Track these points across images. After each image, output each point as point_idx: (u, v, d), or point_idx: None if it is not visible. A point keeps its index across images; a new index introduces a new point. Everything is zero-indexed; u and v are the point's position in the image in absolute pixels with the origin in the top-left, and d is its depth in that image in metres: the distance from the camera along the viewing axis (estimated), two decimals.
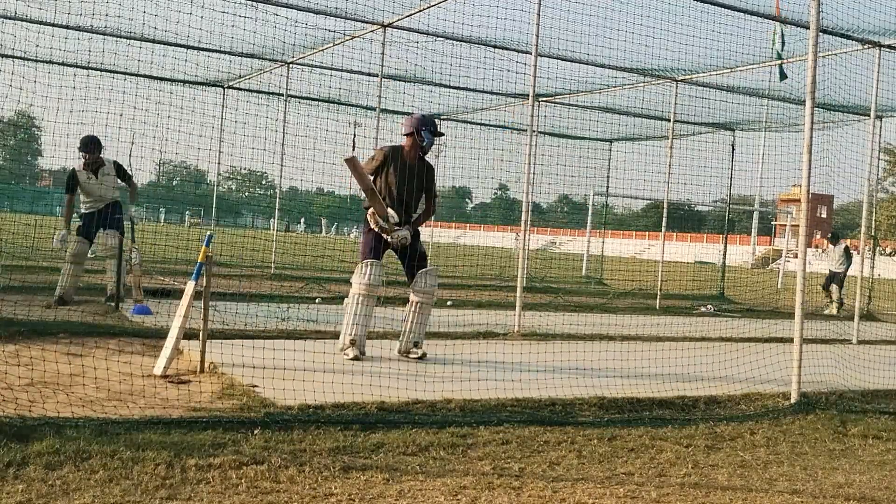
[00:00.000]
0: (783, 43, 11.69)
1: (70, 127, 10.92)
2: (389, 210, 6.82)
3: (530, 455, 4.44)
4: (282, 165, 15.54)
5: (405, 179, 6.88)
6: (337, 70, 14.75)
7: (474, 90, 15.85)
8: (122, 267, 9.28)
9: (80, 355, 6.08)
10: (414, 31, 11.88)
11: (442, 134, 7.22)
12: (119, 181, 9.85)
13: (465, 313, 10.53)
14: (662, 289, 15.12)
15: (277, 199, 17.61)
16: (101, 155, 9.62)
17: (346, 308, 6.87)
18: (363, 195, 6.88)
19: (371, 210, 6.83)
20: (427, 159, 7.14)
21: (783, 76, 12.17)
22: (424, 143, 6.95)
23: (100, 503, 3.29)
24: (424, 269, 6.97)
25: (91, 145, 9.54)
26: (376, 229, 6.86)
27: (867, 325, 12.66)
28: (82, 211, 9.74)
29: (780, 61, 11.94)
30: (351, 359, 6.63)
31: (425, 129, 6.93)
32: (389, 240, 6.86)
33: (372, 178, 6.89)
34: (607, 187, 21.69)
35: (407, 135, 6.99)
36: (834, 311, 16.53)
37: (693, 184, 17.07)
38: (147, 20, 11.34)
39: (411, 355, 6.94)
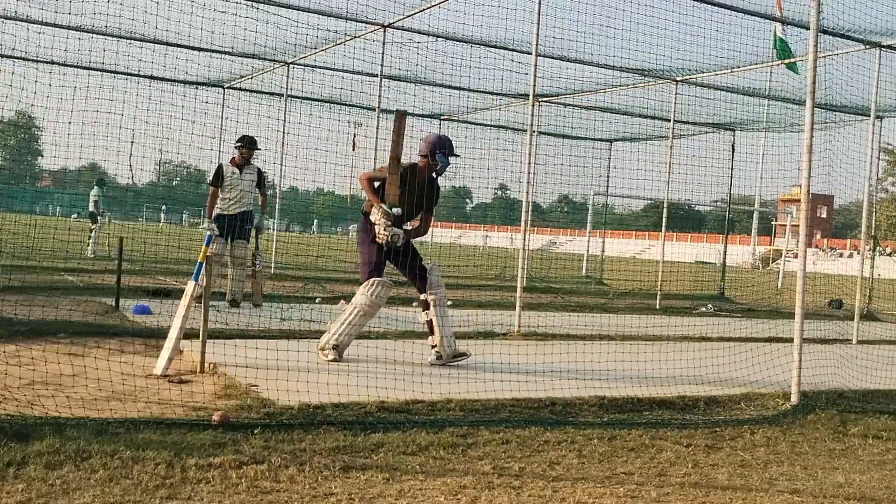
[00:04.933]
0: (787, 49, 11.72)
1: (70, 127, 10.92)
2: (395, 209, 6.75)
3: (530, 455, 4.44)
4: (282, 165, 15.55)
5: (413, 198, 6.86)
6: (337, 70, 14.76)
7: (474, 90, 15.85)
8: (244, 273, 9.91)
9: (80, 355, 6.07)
10: (414, 32, 11.88)
11: (457, 155, 7.09)
12: (256, 189, 10.18)
13: (465, 313, 10.53)
14: (662, 289, 15.12)
15: (277, 199, 17.62)
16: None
17: (342, 313, 6.80)
18: (367, 192, 6.81)
19: (375, 204, 6.69)
20: (439, 180, 7.10)
21: (793, 66, 12.14)
22: (438, 168, 6.91)
23: (100, 503, 3.29)
24: (430, 266, 6.96)
25: (250, 142, 9.96)
26: (375, 219, 6.69)
27: (867, 325, 12.65)
28: (217, 212, 9.94)
29: (787, 60, 11.95)
30: (329, 360, 6.58)
31: (441, 152, 6.87)
32: (380, 235, 6.66)
33: (377, 184, 6.86)
34: (607, 187, 21.70)
35: (422, 156, 6.96)
36: None
37: (693, 184, 17.07)
38: (147, 20, 11.35)
39: (458, 360, 6.84)
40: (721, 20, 10.12)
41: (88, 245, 18.84)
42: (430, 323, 6.86)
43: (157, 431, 4.19)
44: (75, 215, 38.16)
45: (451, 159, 7.02)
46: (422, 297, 6.90)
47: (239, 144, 9.98)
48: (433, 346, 6.88)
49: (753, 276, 28.77)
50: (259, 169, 10.23)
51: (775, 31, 11.71)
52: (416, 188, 6.88)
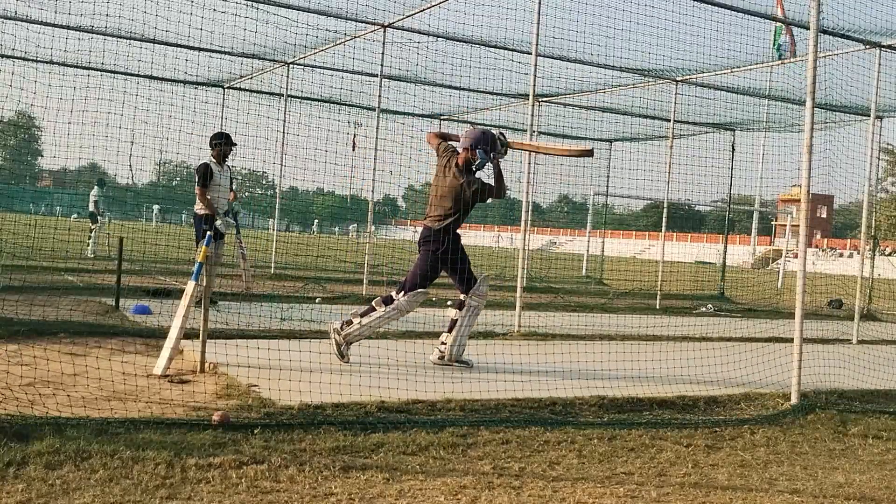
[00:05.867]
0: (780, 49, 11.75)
1: (70, 127, 10.91)
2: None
3: (530, 455, 4.44)
4: (282, 165, 15.55)
5: (438, 187, 6.87)
6: (337, 70, 14.75)
7: (474, 90, 15.85)
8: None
9: (80, 355, 6.08)
10: (414, 32, 11.87)
11: (499, 153, 6.94)
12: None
13: None
14: (662, 289, 15.12)
15: (278, 199, 17.62)
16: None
17: (377, 310, 6.67)
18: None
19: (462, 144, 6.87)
20: (479, 175, 6.99)
21: (779, 51, 12.15)
22: (475, 164, 6.83)
23: (100, 503, 3.29)
24: (482, 276, 6.97)
25: (229, 139, 9.88)
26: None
27: (867, 325, 12.65)
28: (206, 212, 9.59)
29: (785, 61, 11.98)
30: (338, 354, 6.54)
31: (482, 147, 6.80)
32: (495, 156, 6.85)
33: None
34: (607, 187, 21.70)
35: (463, 149, 6.90)
36: None
37: (693, 184, 17.07)
38: (147, 20, 11.35)
39: (460, 365, 6.82)
40: (721, 20, 10.11)
41: (88, 245, 18.85)
42: (453, 322, 6.86)
43: (157, 431, 4.19)
44: (76, 215, 38.15)
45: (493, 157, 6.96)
46: (462, 296, 6.89)
47: (220, 142, 9.80)
48: (442, 343, 6.88)
49: (753, 276, 28.78)
50: (229, 166, 10.12)
51: (776, 32, 11.74)
52: (445, 179, 6.89)
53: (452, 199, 6.80)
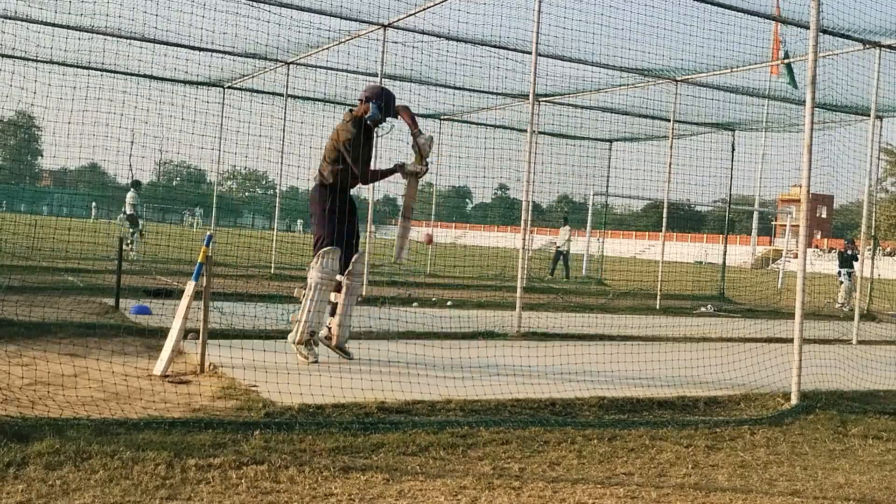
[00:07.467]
0: (792, 77, 11.79)
1: (70, 127, 10.92)
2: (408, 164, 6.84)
3: (530, 455, 4.44)
4: (282, 165, 15.54)
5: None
6: (337, 70, 14.75)
7: (474, 90, 15.85)
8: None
9: (80, 355, 6.07)
10: (414, 32, 11.87)
11: (394, 116, 6.86)
12: None
13: (465, 313, 10.54)
14: (662, 289, 15.12)
15: (278, 199, 17.61)
16: None
17: (305, 298, 6.58)
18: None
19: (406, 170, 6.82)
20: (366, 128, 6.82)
21: (794, 83, 12.22)
22: (367, 116, 6.70)
23: (100, 503, 3.29)
24: (357, 255, 6.85)
25: None
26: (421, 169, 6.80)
27: (867, 325, 12.66)
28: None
29: (788, 60, 12.00)
30: (311, 362, 6.38)
31: (376, 103, 6.71)
32: (419, 170, 6.80)
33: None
34: (607, 187, 21.70)
35: (360, 101, 6.84)
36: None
37: (693, 184, 17.07)
38: (147, 20, 11.36)
39: (340, 354, 6.72)
40: (721, 20, 10.12)
41: (132, 250, 18.03)
42: (335, 306, 6.76)
43: (156, 432, 4.19)
44: (121, 216, 37.51)
45: (388, 119, 6.86)
46: (338, 277, 6.72)
47: None
48: (328, 326, 6.79)
49: (753, 277, 28.77)
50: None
51: (790, 71, 11.81)
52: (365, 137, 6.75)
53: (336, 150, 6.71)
